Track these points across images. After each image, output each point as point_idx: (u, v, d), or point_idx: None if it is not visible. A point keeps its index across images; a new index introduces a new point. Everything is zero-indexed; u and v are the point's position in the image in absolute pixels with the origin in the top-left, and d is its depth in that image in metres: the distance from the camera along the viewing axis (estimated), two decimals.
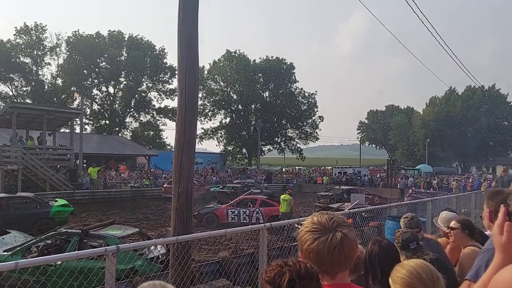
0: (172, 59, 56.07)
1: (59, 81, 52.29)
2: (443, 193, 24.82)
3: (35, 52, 49.85)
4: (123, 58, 53.07)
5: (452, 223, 3.29)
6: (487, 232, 2.76)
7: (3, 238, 8.33)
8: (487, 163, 67.70)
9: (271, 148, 63.42)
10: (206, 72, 58.25)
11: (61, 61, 51.79)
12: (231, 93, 59.68)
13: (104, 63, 52.78)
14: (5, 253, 7.13)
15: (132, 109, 56.22)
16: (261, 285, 1.24)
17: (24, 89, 51.19)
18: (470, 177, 37.96)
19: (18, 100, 45.59)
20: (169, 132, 65.71)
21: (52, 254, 6.81)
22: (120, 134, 53.54)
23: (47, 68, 52.52)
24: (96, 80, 53.50)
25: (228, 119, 60.72)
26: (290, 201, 15.34)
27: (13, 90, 50.35)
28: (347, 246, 1.34)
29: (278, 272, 1.17)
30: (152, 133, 58.86)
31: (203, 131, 59.90)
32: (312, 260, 1.31)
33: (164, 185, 26.35)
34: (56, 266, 6.16)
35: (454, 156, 72.55)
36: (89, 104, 53.44)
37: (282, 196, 15.70)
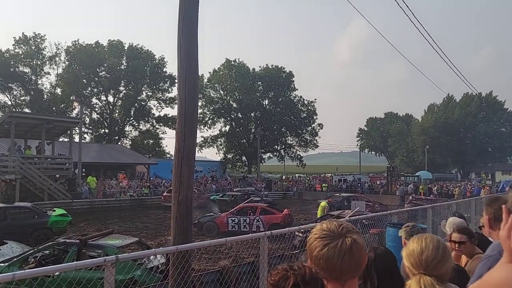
0: (171, 67, 56.31)
1: (58, 91, 52.37)
2: (443, 199, 24.79)
3: (34, 62, 49.96)
4: (122, 67, 53.21)
5: (457, 237, 3.15)
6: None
7: (0, 249, 8.24)
8: (486, 169, 67.88)
9: (271, 156, 63.39)
10: (205, 80, 58.42)
11: (60, 70, 51.94)
12: (230, 101, 59.81)
13: (103, 72, 52.88)
14: (2, 264, 7.05)
15: (131, 118, 56.24)
16: None
17: (23, 98, 51.23)
18: (468, 183, 37.94)
19: (17, 110, 45.58)
20: (168, 140, 65.75)
21: (50, 265, 6.73)
22: (119, 143, 53.51)
23: (46, 77, 52.52)
24: (95, 89, 53.55)
25: (227, 127, 60.83)
26: (324, 208, 16.16)
27: (12, 99, 50.43)
28: (357, 252, 1.34)
29: (283, 276, 1.17)
30: (151, 141, 58.82)
31: (202, 139, 59.99)
32: (322, 267, 1.31)
33: (164, 194, 26.25)
34: (54, 277, 6.08)
35: (453, 163, 72.71)
36: (89, 113, 53.44)
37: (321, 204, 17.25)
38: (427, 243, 1.73)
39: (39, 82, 51.61)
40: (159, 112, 57.47)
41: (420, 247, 1.72)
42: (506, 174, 64.05)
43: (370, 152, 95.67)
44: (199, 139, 57.77)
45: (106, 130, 55.45)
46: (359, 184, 42.00)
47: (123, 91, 54.95)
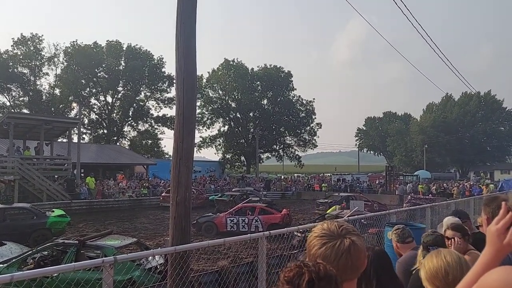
0: (170, 68, 56.31)
1: (57, 91, 52.30)
2: (442, 199, 24.82)
3: (33, 63, 49.92)
4: (121, 68, 53.16)
5: (451, 233, 3.17)
6: None
7: None
8: (484, 168, 68.01)
9: (270, 156, 63.38)
10: (204, 80, 58.42)
11: (59, 71, 51.93)
12: (229, 101, 59.79)
13: (102, 73, 52.83)
14: (1, 265, 7.04)
15: (130, 118, 56.18)
16: (278, 285, 1.28)
17: (22, 99, 51.17)
18: (467, 183, 37.97)
19: (16, 111, 45.52)
20: (167, 140, 65.88)
21: (48, 266, 6.73)
22: (118, 143, 53.47)
23: (45, 78, 52.60)
24: (94, 90, 53.52)
25: (226, 127, 60.82)
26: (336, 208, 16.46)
27: (11, 100, 50.37)
28: (355, 254, 1.33)
29: (297, 273, 1.16)
30: (150, 142, 58.77)
31: (201, 139, 59.96)
32: None
33: (163, 194, 26.23)
34: (52, 278, 6.08)
35: (452, 162, 72.84)
36: (87, 114, 53.41)
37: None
38: (448, 261, 1.67)
39: (38, 83, 51.65)
40: (157, 112, 57.54)
41: (443, 267, 1.66)
42: (505, 173, 64.14)
43: (368, 152, 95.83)
44: (197, 139, 57.87)
45: (105, 131, 55.40)
46: (358, 184, 42.05)
47: (122, 92, 54.93)
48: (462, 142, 67.96)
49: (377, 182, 43.64)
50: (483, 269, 1.18)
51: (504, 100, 70.15)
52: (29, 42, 49.49)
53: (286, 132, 61.11)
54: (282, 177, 54.27)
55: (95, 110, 54.72)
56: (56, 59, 51.43)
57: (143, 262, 7.39)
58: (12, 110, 44.66)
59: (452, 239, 3.16)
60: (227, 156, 60.47)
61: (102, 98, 54.57)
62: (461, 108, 69.07)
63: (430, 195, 30.14)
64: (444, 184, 38.55)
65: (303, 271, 1.16)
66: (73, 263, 5.43)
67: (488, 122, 67.48)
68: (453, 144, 66.42)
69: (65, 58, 51.28)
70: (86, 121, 52.90)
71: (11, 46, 49.11)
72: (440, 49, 15.09)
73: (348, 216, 9.68)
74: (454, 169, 74.99)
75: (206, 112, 59.46)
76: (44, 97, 51.94)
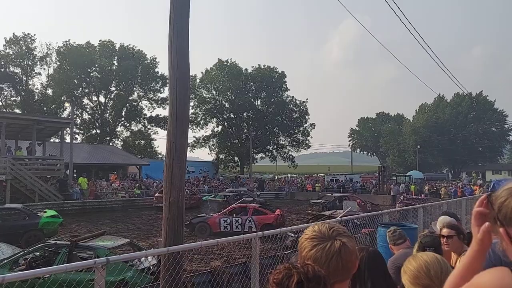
0: (163, 68, 56.07)
1: (49, 91, 51.96)
2: (434, 199, 25.01)
3: (25, 62, 49.56)
4: (114, 68, 52.90)
5: (446, 231, 3.21)
6: None
7: None
8: (476, 169, 68.64)
9: (263, 156, 63.43)
10: (198, 80, 58.32)
11: (51, 71, 51.60)
12: (223, 101, 59.74)
13: (95, 73, 52.56)
14: None
15: (123, 118, 55.93)
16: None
17: (14, 99, 50.81)
18: (459, 183, 38.27)
19: (7, 110, 45.13)
20: (160, 141, 65.69)
21: (40, 267, 6.68)
22: (111, 144, 53.19)
23: (37, 78, 52.41)
24: (86, 90, 53.22)
25: (220, 128, 60.75)
26: None
27: (2, 100, 49.94)
28: (346, 256, 1.33)
29: (286, 274, 1.17)
30: (143, 142, 58.53)
31: (194, 139, 59.79)
32: None
33: (156, 195, 26.13)
34: (44, 279, 6.03)
35: (444, 162, 73.43)
36: (80, 114, 53.08)
37: None
38: (426, 259, 1.71)
39: (30, 82, 51.30)
40: (150, 112, 57.36)
41: (423, 265, 1.69)
42: (496, 173, 64.74)
43: (362, 152, 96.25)
44: (191, 139, 57.72)
45: (98, 131, 55.09)
46: (351, 184, 42.22)
47: (115, 92, 54.66)
48: (454, 142, 68.56)
49: (370, 182, 43.85)
50: (469, 261, 1.20)
51: (495, 101, 70.91)
52: (21, 42, 49.13)
53: (280, 132, 61.21)
54: (276, 177, 54.32)
55: (87, 110, 54.43)
56: (48, 59, 51.20)
57: (136, 263, 7.37)
58: (4, 110, 44.24)
59: (447, 237, 3.20)
60: (221, 157, 60.40)
61: (94, 98, 54.33)
62: (453, 109, 69.66)
63: (422, 195, 30.36)
64: (437, 185, 38.86)
65: (292, 272, 1.17)
66: (65, 264, 5.40)
67: (480, 123, 68.13)
68: (446, 144, 67.01)
69: (57, 58, 50.97)
70: (78, 121, 52.55)
71: (3, 45, 48.90)
72: (432, 50, 15.21)
73: (341, 217, 9.72)
74: (447, 170, 75.59)
75: (200, 112, 59.35)
76: (36, 97, 51.57)
